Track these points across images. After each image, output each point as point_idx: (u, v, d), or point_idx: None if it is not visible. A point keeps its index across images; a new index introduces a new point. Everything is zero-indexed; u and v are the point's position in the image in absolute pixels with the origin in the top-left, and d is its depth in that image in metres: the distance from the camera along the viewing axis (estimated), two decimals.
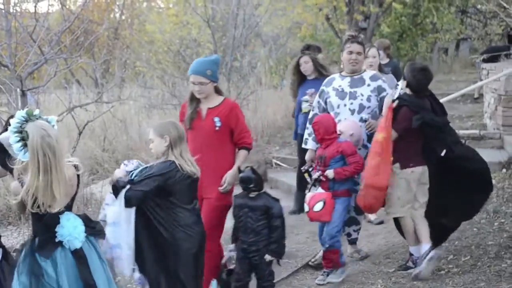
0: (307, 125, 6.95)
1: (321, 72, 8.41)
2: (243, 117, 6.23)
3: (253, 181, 5.60)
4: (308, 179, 6.61)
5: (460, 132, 10.92)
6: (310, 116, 6.87)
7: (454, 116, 13.74)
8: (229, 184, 6.00)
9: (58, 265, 4.28)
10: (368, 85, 6.47)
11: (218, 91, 6.14)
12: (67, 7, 20.74)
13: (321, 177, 6.14)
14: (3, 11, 9.62)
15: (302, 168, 6.85)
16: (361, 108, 6.41)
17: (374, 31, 19.89)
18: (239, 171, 5.79)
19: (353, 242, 6.90)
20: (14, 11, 10.58)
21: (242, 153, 6.12)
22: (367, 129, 6.38)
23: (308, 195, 6.19)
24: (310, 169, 6.59)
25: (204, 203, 5.94)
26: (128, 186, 4.93)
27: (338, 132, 6.19)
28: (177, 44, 15.92)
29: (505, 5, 9.30)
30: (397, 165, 5.95)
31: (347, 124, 6.28)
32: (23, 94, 9.97)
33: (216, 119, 5.96)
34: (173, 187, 4.96)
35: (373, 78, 6.55)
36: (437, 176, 6.07)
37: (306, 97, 8.34)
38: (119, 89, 17.17)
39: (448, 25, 21.82)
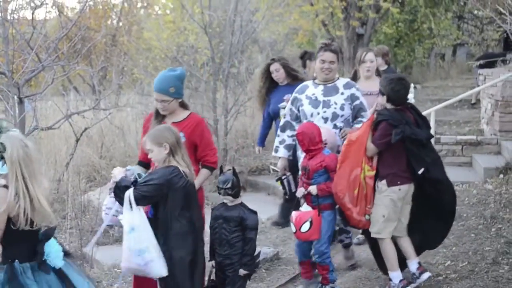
0: (278, 132, 6.81)
1: (295, 77, 8.28)
2: (209, 133, 6.06)
3: (231, 182, 5.39)
4: (281, 187, 6.66)
5: (458, 137, 10.99)
6: (281, 123, 6.78)
7: (451, 121, 13.79)
8: None
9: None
10: (342, 93, 6.38)
11: (183, 105, 5.95)
12: (65, 14, 20.78)
13: (305, 193, 6.00)
14: (0, 18, 9.61)
15: (276, 177, 6.80)
16: (335, 116, 6.33)
17: (371, 37, 19.93)
18: (220, 170, 5.58)
19: (346, 246, 6.84)
20: (12, 18, 10.58)
21: (203, 172, 5.89)
22: (341, 137, 6.27)
23: (294, 213, 6.00)
24: (283, 178, 6.60)
25: None
26: (132, 188, 4.90)
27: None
28: (174, 50, 15.92)
29: (502, 10, 9.31)
30: (384, 182, 5.76)
31: (322, 132, 6.11)
32: (21, 101, 9.95)
33: (180, 134, 5.63)
34: (172, 194, 4.92)
35: (347, 86, 6.45)
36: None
37: (284, 104, 7.94)
38: (117, 96, 17.15)
39: (445, 30, 21.87)
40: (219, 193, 5.51)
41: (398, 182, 5.71)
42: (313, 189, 5.92)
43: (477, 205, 8.18)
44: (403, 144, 5.69)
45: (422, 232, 5.93)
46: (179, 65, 15.14)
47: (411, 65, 22.28)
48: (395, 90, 5.81)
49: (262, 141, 9.03)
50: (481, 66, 13.15)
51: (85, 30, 17.73)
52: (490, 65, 13.21)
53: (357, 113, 6.42)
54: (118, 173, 5.11)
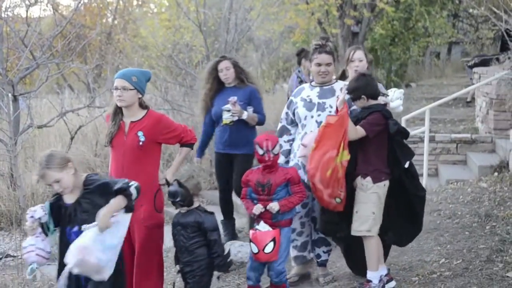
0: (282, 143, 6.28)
1: (243, 80, 7.55)
2: (172, 123, 5.85)
3: (180, 195, 5.28)
4: None
5: (452, 136, 11.01)
6: (278, 128, 6.37)
7: (446, 120, 13.80)
8: (162, 180, 5.74)
9: None
10: (338, 96, 5.93)
11: (141, 104, 5.69)
12: (60, 12, 20.75)
13: (262, 211, 5.57)
14: None
15: None
16: None
17: (366, 35, 19.94)
18: (167, 183, 5.44)
19: (322, 264, 6.34)
20: (6, 15, 10.55)
21: (184, 150, 5.91)
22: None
23: (253, 233, 5.58)
24: None
25: (133, 224, 5.31)
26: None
27: (302, 145, 5.84)
28: (170, 48, 15.90)
29: (495, 10, 9.32)
30: (368, 179, 5.53)
31: (311, 137, 5.77)
32: (15, 99, 9.93)
33: (140, 133, 5.56)
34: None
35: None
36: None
37: (228, 106, 7.25)
38: (111, 94, 17.12)
39: (440, 29, 21.89)
40: (174, 205, 5.40)
41: (382, 178, 5.56)
42: (275, 206, 5.53)
43: (471, 203, 8.19)
44: (389, 138, 5.56)
45: (396, 229, 5.78)
46: (174, 63, 15.16)
47: (406, 63, 22.30)
48: (372, 84, 5.69)
49: (201, 151, 8.01)
50: (475, 65, 13.18)
51: (80, 28, 17.73)
52: (483, 63, 13.23)
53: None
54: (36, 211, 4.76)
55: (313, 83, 6.21)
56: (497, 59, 11.76)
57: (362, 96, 5.62)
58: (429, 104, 11.53)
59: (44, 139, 12.89)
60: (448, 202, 8.42)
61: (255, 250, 5.54)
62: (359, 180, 5.60)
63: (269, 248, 5.50)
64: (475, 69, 13.43)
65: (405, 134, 5.68)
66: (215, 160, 7.87)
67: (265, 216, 5.58)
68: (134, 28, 23.71)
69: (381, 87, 6.33)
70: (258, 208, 5.57)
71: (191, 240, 5.29)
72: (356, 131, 5.49)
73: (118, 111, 5.68)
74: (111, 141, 5.65)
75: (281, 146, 6.07)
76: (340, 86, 6.00)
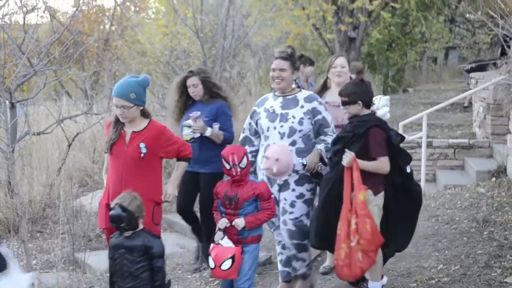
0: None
1: (214, 95, 7.07)
2: (172, 135, 5.68)
3: (124, 220, 4.91)
4: None
5: (450, 141, 11.01)
6: (240, 138, 6.15)
7: (443, 125, 13.81)
8: (170, 196, 5.63)
9: None
10: (302, 106, 5.80)
11: (144, 113, 5.57)
12: (57, 19, 20.76)
13: (227, 225, 5.37)
14: None
15: None
16: (292, 131, 5.73)
17: (363, 40, 19.97)
18: (108, 207, 5.13)
19: (304, 276, 6.01)
20: (3, 22, 10.55)
21: (182, 164, 5.81)
22: (308, 171, 5.70)
23: (213, 248, 5.39)
24: None
25: None
26: None
27: (265, 158, 5.60)
28: (167, 55, 15.93)
29: (493, 14, 9.33)
30: (370, 192, 5.32)
31: (274, 149, 5.61)
32: (12, 106, 9.94)
33: (142, 145, 5.42)
34: None
35: (308, 99, 5.85)
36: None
37: (189, 122, 6.76)
38: (109, 101, 17.11)
39: (437, 34, 21.94)
40: (118, 230, 5.03)
41: (381, 189, 5.41)
42: (240, 222, 5.31)
43: (469, 209, 8.19)
44: (387, 146, 5.34)
45: (397, 240, 5.63)
46: (171, 70, 15.18)
47: (403, 68, 22.35)
48: (368, 91, 5.49)
49: None
50: (472, 70, 13.20)
51: (77, 35, 17.72)
52: (481, 68, 13.25)
53: (319, 129, 5.80)
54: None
55: (276, 93, 5.99)
56: (494, 64, 11.76)
57: (359, 101, 5.42)
58: (427, 109, 11.53)
59: (42, 146, 12.86)
60: (446, 207, 8.42)
61: (212, 265, 5.37)
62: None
63: (226, 265, 5.30)
64: (472, 74, 13.44)
65: (402, 139, 5.57)
66: (181, 178, 6.87)
67: (231, 231, 5.38)
68: (132, 34, 23.72)
69: None
70: (223, 223, 5.38)
71: (137, 265, 4.92)
72: (382, 164, 5.32)
73: (119, 119, 5.56)
74: (111, 149, 5.53)
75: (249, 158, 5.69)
76: (304, 96, 5.86)
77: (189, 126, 6.72)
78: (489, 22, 10.78)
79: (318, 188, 5.81)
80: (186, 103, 7.17)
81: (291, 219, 5.79)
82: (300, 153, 5.72)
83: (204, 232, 7.07)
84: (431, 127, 13.13)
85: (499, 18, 8.91)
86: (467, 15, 23.91)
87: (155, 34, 18.78)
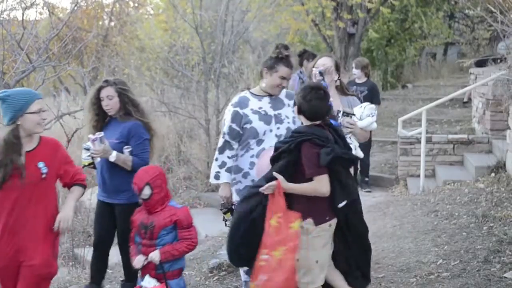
0: (216, 155, 5.55)
1: (130, 112, 5.98)
2: (66, 152, 5.05)
3: None
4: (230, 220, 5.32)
5: (449, 136, 11.02)
6: (219, 144, 5.55)
7: (442, 120, 13.83)
8: (63, 229, 4.85)
9: None
10: (288, 105, 5.52)
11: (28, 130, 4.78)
12: (56, 15, 20.72)
13: (145, 262, 4.90)
14: None
15: (221, 209, 5.49)
16: (288, 132, 5.34)
17: (362, 36, 19.95)
18: None
19: None
20: (2, 18, 10.54)
21: (78, 190, 5.01)
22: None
23: None
24: (233, 207, 5.35)
25: (23, 271, 4.68)
26: None
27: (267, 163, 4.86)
28: (166, 51, 15.92)
29: (492, 9, 9.32)
30: (310, 221, 4.56)
31: (267, 154, 4.98)
32: None
33: (41, 164, 4.74)
34: None
35: (290, 97, 5.55)
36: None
37: (88, 144, 5.72)
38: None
39: (436, 30, 21.91)
40: None
41: (327, 218, 4.62)
42: (155, 256, 4.85)
43: (468, 204, 8.19)
44: (329, 168, 4.53)
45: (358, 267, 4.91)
46: (170, 65, 15.17)
47: (402, 64, 22.32)
48: (307, 99, 4.63)
49: None
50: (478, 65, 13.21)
51: (76, 31, 17.70)
52: (480, 64, 13.26)
53: None
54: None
55: (253, 91, 5.59)
56: (494, 60, 11.77)
57: (304, 111, 4.69)
58: (426, 105, 11.53)
59: None
60: (445, 203, 8.42)
61: None
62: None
63: None
64: (471, 70, 13.44)
65: (349, 161, 4.71)
66: (96, 208, 6.27)
67: (149, 267, 4.91)
68: (131, 30, 23.71)
69: (349, 102, 5.65)
70: (139, 261, 4.90)
71: None
72: (317, 185, 4.52)
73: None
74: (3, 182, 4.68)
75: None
76: (284, 94, 5.55)
77: (88, 149, 5.71)
78: (488, 18, 10.76)
79: None
80: (103, 118, 6.06)
81: None
82: None
83: (124, 269, 6.19)
84: (430, 123, 13.14)
85: (499, 14, 8.90)
86: (467, 11, 23.87)
87: (155, 30, 18.77)
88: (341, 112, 5.11)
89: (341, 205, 4.57)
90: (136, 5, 26.34)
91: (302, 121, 4.76)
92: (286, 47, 5.51)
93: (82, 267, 8.22)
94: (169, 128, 13.78)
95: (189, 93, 14.66)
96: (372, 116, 5.46)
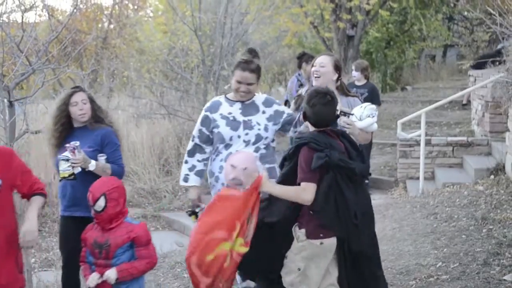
0: (186, 157, 5.52)
1: (100, 120, 5.74)
2: (21, 161, 4.73)
3: None
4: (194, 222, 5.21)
5: (448, 139, 11.02)
6: (189, 147, 5.51)
7: (442, 123, 13.83)
8: (29, 243, 4.53)
9: None
10: (263, 112, 5.38)
11: None
12: (55, 17, 20.74)
13: (99, 281, 4.56)
14: None
15: (187, 211, 5.45)
16: (258, 138, 5.29)
17: (362, 38, 19.98)
18: None
19: None
20: (1, 21, 10.53)
21: (39, 199, 4.67)
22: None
23: None
24: (197, 211, 5.32)
25: None
26: None
27: (231, 166, 4.74)
28: (165, 53, 15.93)
29: (491, 11, 9.33)
30: (303, 231, 4.41)
31: (240, 157, 4.88)
32: (11, 105, 9.88)
33: None
34: None
35: (267, 104, 5.42)
36: None
37: (66, 154, 5.33)
38: (108, 99, 17.14)
39: (435, 32, 21.95)
40: None
41: (321, 235, 4.37)
42: (111, 274, 4.50)
43: (468, 206, 8.19)
44: (330, 177, 4.33)
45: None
46: (170, 68, 15.18)
47: (402, 66, 22.35)
48: (311, 104, 4.46)
49: None
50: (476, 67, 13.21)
51: (75, 33, 17.71)
52: (481, 66, 13.27)
53: (286, 125, 5.44)
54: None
55: (229, 96, 5.49)
56: (493, 62, 11.77)
57: (304, 114, 4.55)
58: (425, 107, 11.54)
59: (40, 145, 12.84)
60: (445, 205, 8.42)
61: None
62: (294, 227, 4.50)
63: None
64: (470, 72, 13.45)
65: (347, 170, 4.39)
66: (59, 226, 5.92)
67: (104, 287, 4.58)
68: (130, 32, 23.74)
69: (348, 103, 5.51)
70: (92, 280, 4.55)
71: None
72: (299, 191, 4.33)
73: None
74: None
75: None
76: (261, 100, 5.41)
77: (67, 160, 5.33)
78: (487, 20, 10.77)
79: None
80: (68, 128, 5.69)
81: None
82: (263, 158, 5.22)
83: None
84: (430, 125, 13.15)
85: (498, 16, 8.90)
86: (466, 13, 23.90)
87: (154, 32, 18.78)
88: (339, 111, 4.80)
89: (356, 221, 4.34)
90: (136, 7, 26.37)
91: (309, 128, 4.58)
92: (251, 51, 5.42)
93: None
94: (168, 131, 13.77)
95: (188, 96, 14.65)
96: (373, 116, 5.24)
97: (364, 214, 4.47)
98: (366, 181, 10.64)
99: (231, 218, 4.41)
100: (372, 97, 10.13)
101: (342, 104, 5.35)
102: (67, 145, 5.32)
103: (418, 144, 10.50)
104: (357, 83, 10.41)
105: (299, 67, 9.94)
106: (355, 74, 10.43)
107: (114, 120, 5.93)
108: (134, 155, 12.11)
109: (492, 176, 9.42)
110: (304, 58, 9.82)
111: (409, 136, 10.70)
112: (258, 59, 5.44)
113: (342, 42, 19.39)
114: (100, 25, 24.58)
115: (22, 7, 11.48)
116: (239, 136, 5.28)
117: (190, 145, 5.51)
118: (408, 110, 15.46)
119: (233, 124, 5.31)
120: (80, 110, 5.57)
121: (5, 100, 9.58)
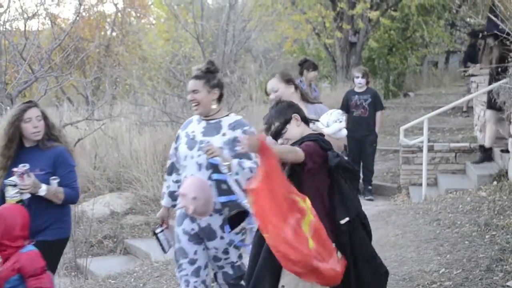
0: (166, 175, 5.25)
1: (55, 138, 5.32)
2: None
3: None
4: (158, 244, 5.17)
5: (451, 145, 11.02)
6: (168, 166, 5.24)
7: (444, 129, 13.83)
8: None
9: None
10: (224, 134, 4.87)
11: None
12: (58, 25, 20.80)
13: None
14: None
15: (152, 229, 5.14)
16: (211, 163, 4.74)
17: (364, 45, 20.01)
18: None
19: None
20: (4, 29, 10.58)
21: None
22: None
23: None
24: (157, 232, 5.14)
25: None
26: None
27: (181, 195, 4.58)
28: (168, 60, 15.97)
29: (493, 18, 9.34)
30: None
31: (190, 184, 4.63)
32: None
33: None
34: None
35: (233, 126, 4.92)
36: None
37: (13, 179, 4.92)
38: (110, 106, 17.15)
39: (437, 38, 21.97)
40: None
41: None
42: None
43: (471, 212, 8.18)
44: (330, 178, 4.17)
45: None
46: (172, 75, 15.21)
47: (404, 73, 22.37)
48: (283, 110, 4.36)
49: None
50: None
51: (78, 41, 17.76)
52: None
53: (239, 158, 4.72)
54: None
55: (202, 115, 5.07)
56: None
57: (274, 123, 4.32)
58: (428, 113, 11.53)
59: None
60: (448, 211, 8.41)
61: None
62: None
63: None
64: (472, 78, 13.45)
65: (351, 172, 4.27)
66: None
67: None
68: (133, 40, 23.80)
69: (315, 111, 5.30)
70: None
71: None
72: (296, 153, 3.97)
73: None
74: None
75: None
76: (230, 121, 4.94)
77: (15, 185, 4.90)
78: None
79: None
80: (18, 148, 5.20)
81: (228, 263, 4.94)
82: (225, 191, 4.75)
83: None
84: (432, 131, 13.15)
85: (500, 22, 8.91)
86: (468, 19, 23.92)
87: (157, 39, 18.83)
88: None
89: (343, 221, 4.07)
90: (138, 15, 26.43)
91: (293, 136, 4.29)
92: (208, 62, 5.06)
93: (85, 277, 8.22)
94: (171, 138, 13.77)
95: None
96: (340, 121, 4.92)
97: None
98: (369, 187, 10.69)
99: (279, 205, 3.78)
100: (375, 102, 10.14)
101: (309, 112, 5.13)
102: (15, 169, 4.91)
103: (421, 150, 10.49)
104: (357, 90, 10.40)
105: (301, 74, 9.96)
106: (361, 81, 10.38)
107: (68, 140, 5.60)
108: (137, 162, 12.12)
109: (494, 182, 9.41)
110: (305, 65, 9.82)
111: (411, 142, 10.69)
112: (216, 71, 5.07)
113: (344, 49, 19.42)
114: (102, 33, 24.62)
115: (25, 15, 11.55)
116: (192, 157, 4.85)
117: (168, 163, 5.24)
118: (410, 116, 15.46)
119: (190, 143, 4.93)
120: (34, 128, 5.13)
121: (8, 108, 9.62)
